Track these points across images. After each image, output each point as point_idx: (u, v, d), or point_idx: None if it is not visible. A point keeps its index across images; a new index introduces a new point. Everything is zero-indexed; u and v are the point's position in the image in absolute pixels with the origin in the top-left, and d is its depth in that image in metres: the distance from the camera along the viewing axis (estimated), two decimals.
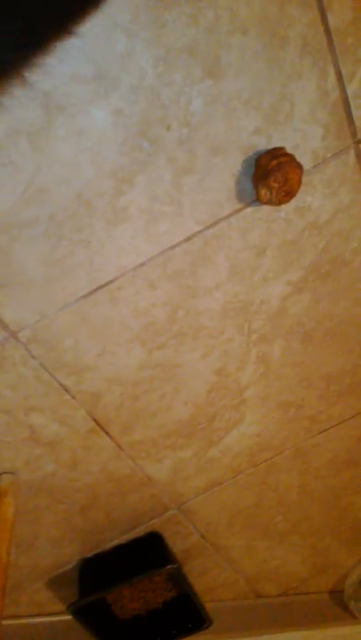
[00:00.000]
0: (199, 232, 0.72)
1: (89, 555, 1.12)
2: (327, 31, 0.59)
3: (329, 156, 0.68)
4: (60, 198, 0.64)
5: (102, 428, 0.90)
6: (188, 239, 0.72)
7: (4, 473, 0.89)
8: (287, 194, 0.63)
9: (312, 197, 0.71)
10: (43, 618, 1.19)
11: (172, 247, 0.73)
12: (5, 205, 0.62)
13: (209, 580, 1.32)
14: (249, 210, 0.71)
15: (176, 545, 1.18)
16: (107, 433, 0.91)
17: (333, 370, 0.96)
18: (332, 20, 0.58)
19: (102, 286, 0.74)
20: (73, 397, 0.84)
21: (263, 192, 0.63)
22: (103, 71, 0.56)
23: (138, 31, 0.55)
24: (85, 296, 0.74)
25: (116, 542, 1.13)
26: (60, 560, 1.11)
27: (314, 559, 1.39)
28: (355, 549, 1.40)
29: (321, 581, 1.47)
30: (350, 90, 0.64)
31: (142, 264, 0.73)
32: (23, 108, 0.57)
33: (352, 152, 0.69)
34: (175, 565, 1.03)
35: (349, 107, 0.65)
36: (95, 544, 1.11)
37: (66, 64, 0.55)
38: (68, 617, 1.18)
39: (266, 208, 0.71)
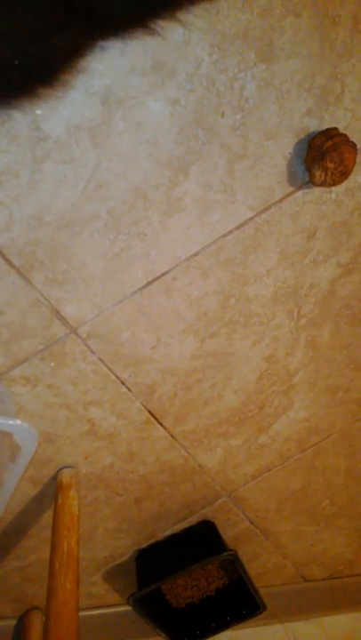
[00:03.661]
0: (251, 218, 0.71)
1: (144, 545, 1.11)
2: None
3: None
4: (118, 192, 0.63)
5: (157, 419, 0.89)
6: (240, 226, 0.71)
7: (65, 467, 0.89)
8: (342, 174, 0.62)
9: None
10: (100, 610, 1.19)
11: (225, 235, 0.72)
12: (67, 202, 0.62)
13: (258, 566, 1.31)
14: (300, 193, 0.70)
15: (227, 532, 1.17)
16: (161, 424, 0.90)
17: None
18: None
19: (157, 278, 0.73)
20: (129, 390, 0.84)
21: (318, 174, 0.62)
22: (160, 62, 0.56)
23: (193, 20, 0.54)
24: (141, 288, 0.73)
25: (169, 532, 1.12)
26: (116, 552, 1.10)
27: (360, 541, 1.37)
28: None
29: None
30: None
31: (195, 254, 0.73)
32: (83, 103, 0.56)
33: None
34: (232, 552, 1.02)
35: None
36: (150, 534, 1.10)
37: (125, 57, 0.54)
38: (125, 608, 1.18)
39: (317, 190, 0.70)
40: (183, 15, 0.52)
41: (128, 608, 1.18)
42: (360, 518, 1.29)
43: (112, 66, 0.55)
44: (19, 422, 0.64)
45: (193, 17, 0.53)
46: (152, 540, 1.12)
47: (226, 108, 0.60)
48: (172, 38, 0.55)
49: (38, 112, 0.56)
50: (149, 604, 1.06)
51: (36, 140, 0.57)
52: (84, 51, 0.51)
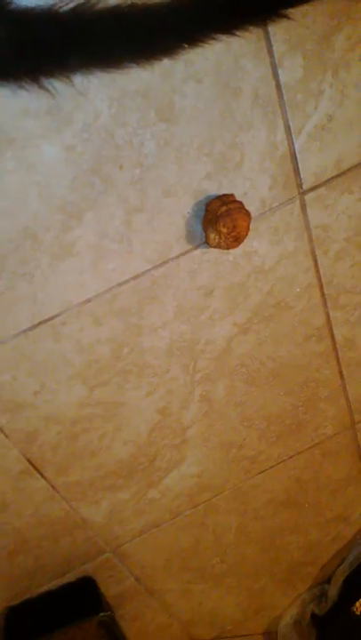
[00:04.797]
0: (148, 271, 0.72)
1: (15, 603, 1.05)
2: (278, 86, 0.61)
3: (276, 204, 0.70)
4: (4, 230, 0.62)
5: (36, 468, 0.86)
6: (136, 277, 0.72)
7: None
8: (235, 239, 0.64)
9: (259, 243, 0.73)
10: None
11: (120, 284, 0.72)
12: None
13: (143, 625, 1.28)
14: (198, 251, 0.72)
15: (109, 589, 1.13)
16: (41, 474, 0.87)
17: (274, 410, 0.97)
18: (283, 77, 0.61)
19: (45, 321, 0.72)
20: (6, 436, 0.80)
21: (212, 236, 0.64)
22: (56, 107, 0.56)
23: (92, 72, 0.55)
24: (26, 331, 0.71)
25: (45, 588, 1.07)
26: None
27: (249, 601, 1.38)
28: (289, 590, 1.40)
29: (256, 623, 1.46)
30: (298, 143, 0.66)
31: (88, 300, 0.72)
32: None
33: (297, 202, 0.72)
34: (107, 613, 0.99)
35: (296, 159, 0.67)
36: (23, 590, 1.05)
37: (18, 98, 0.54)
38: None
39: (214, 251, 0.72)
40: (77, 78, 0.53)
41: None
42: (250, 577, 1.30)
43: (3, 104, 0.54)
44: None
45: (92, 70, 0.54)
46: (25, 597, 1.06)
47: (124, 162, 0.61)
48: (70, 85, 0.55)
49: None
50: None
51: None
52: None
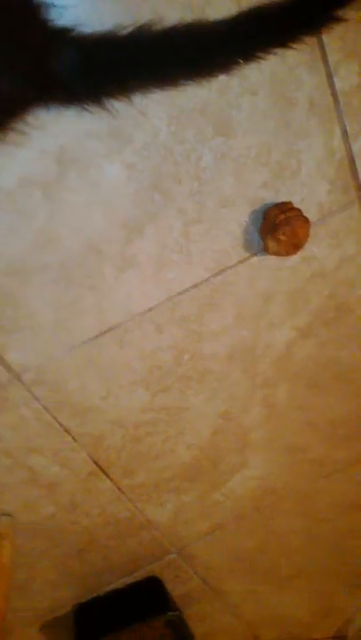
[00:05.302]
0: (207, 279, 0.74)
1: (85, 599, 1.11)
2: (334, 94, 0.62)
3: (335, 209, 0.71)
4: (70, 245, 0.66)
5: (103, 470, 0.91)
6: (195, 285, 0.75)
7: (2, 515, 0.90)
8: (295, 246, 0.65)
9: (318, 248, 0.74)
10: None
11: (180, 293, 0.75)
12: (16, 251, 0.65)
13: (209, 626, 1.30)
14: (256, 259, 0.73)
15: (176, 589, 1.17)
16: (107, 476, 0.92)
17: (339, 414, 0.97)
18: (338, 84, 0.61)
19: (110, 329, 0.76)
20: (74, 439, 0.85)
21: (271, 244, 0.66)
22: (117, 128, 0.59)
23: (151, 93, 0.58)
24: (93, 339, 0.76)
25: (113, 586, 1.12)
26: (55, 604, 1.10)
27: (317, 604, 1.37)
28: (359, 593, 1.38)
29: (324, 627, 1.45)
30: (356, 147, 0.67)
31: (150, 309, 0.75)
32: (37, 160, 0.59)
33: (357, 205, 0.72)
34: (176, 613, 1.02)
35: (355, 163, 0.67)
36: (92, 588, 1.10)
37: (82, 121, 0.58)
38: None
39: (272, 257, 0.73)
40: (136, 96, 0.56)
41: None
42: (318, 580, 1.30)
43: (68, 128, 0.58)
44: None
45: (151, 90, 0.57)
46: (94, 594, 1.12)
47: (183, 176, 0.64)
48: (130, 109, 0.58)
49: None
50: None
51: None
52: (34, 105, 0.54)
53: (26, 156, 0.58)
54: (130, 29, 0.53)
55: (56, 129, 0.57)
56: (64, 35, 0.50)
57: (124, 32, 0.53)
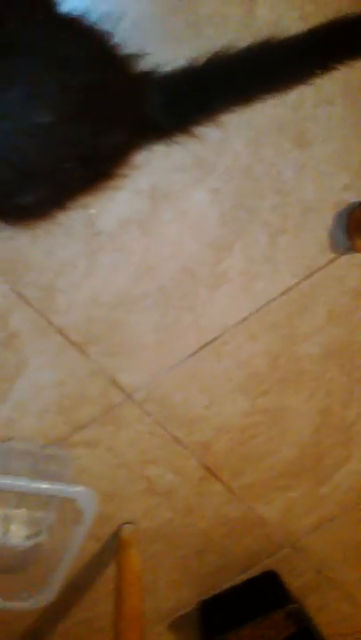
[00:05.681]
0: (295, 284, 0.77)
1: (207, 597, 1.16)
2: None
3: None
4: (166, 272, 0.71)
5: (213, 474, 0.95)
6: (284, 292, 0.77)
7: (126, 523, 0.96)
8: None
9: None
10: None
11: (270, 301, 0.78)
12: (120, 284, 0.70)
13: (327, 616, 1.32)
14: (343, 258, 0.75)
15: (293, 582, 1.19)
16: (218, 479, 0.96)
17: None
18: None
19: (208, 344, 0.80)
20: (185, 448, 0.90)
21: (360, 243, 0.67)
22: (201, 159, 0.63)
23: (230, 120, 0.61)
24: (192, 354, 0.80)
25: (232, 583, 1.16)
26: (179, 603, 1.16)
27: None
28: None
29: None
30: None
31: (243, 320, 0.79)
32: (132, 200, 0.64)
33: None
34: (295, 605, 1.05)
35: None
36: (212, 586, 1.15)
37: (169, 157, 0.62)
38: None
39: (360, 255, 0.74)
40: (221, 118, 0.59)
41: None
42: None
43: (158, 165, 0.63)
44: (81, 488, 0.72)
45: (229, 117, 0.60)
46: (215, 592, 1.17)
47: (265, 192, 0.67)
48: (211, 137, 0.62)
49: (92, 211, 0.64)
50: None
51: (91, 235, 0.66)
52: (134, 150, 0.59)
53: (123, 197, 0.63)
54: (206, 58, 0.56)
55: (147, 168, 0.62)
56: (149, 79, 0.54)
57: (202, 61, 0.55)
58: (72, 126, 0.43)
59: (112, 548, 0.98)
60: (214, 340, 0.80)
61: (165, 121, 0.56)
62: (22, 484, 0.66)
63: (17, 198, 0.46)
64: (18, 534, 0.85)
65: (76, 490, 0.69)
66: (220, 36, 0.54)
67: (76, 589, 1.02)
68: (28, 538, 0.86)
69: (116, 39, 0.50)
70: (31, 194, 0.46)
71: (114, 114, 0.47)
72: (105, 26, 0.50)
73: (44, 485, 0.68)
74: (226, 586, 1.16)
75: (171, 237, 0.68)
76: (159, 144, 0.59)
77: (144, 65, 0.55)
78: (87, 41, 0.46)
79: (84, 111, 0.44)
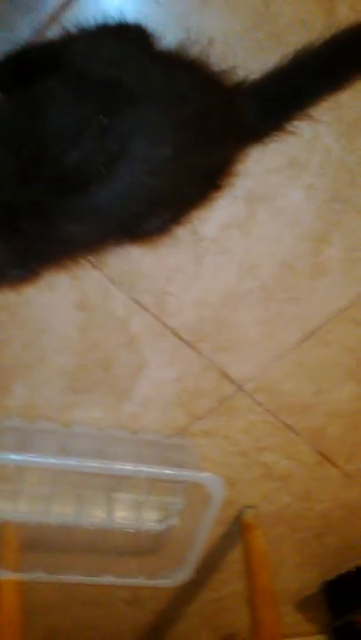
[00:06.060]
0: None
1: (331, 577, 1.18)
2: None
3: None
4: (268, 268, 0.75)
5: (328, 459, 0.97)
6: None
7: (247, 507, 1.01)
8: None
9: None
10: (297, 639, 1.28)
11: None
12: (225, 284, 0.75)
13: None
14: None
15: None
16: (333, 464, 0.98)
17: None
18: None
19: (313, 333, 0.82)
20: (297, 435, 0.93)
21: None
22: (294, 158, 0.66)
23: (320, 117, 0.63)
24: (299, 344, 0.83)
25: (353, 564, 1.17)
26: (304, 584, 1.19)
27: None
28: None
29: None
30: None
31: (346, 307, 0.80)
32: (230, 206, 0.69)
33: None
34: None
35: None
36: (335, 567, 1.17)
37: (262, 162, 0.66)
38: (320, 637, 1.26)
39: None
40: (312, 113, 0.61)
41: (323, 637, 1.25)
42: None
43: (252, 170, 0.66)
44: (209, 474, 0.77)
45: (319, 115, 0.63)
46: (338, 572, 1.19)
47: (358, 182, 0.68)
48: (303, 136, 0.65)
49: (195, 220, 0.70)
50: (344, 634, 1.12)
51: (195, 241, 0.71)
52: (238, 159, 0.62)
53: (222, 204, 0.67)
54: (292, 56, 0.58)
55: (242, 174, 0.66)
56: (241, 89, 0.57)
57: (287, 60, 0.57)
58: (189, 154, 0.48)
59: (235, 532, 1.03)
60: (319, 328, 0.82)
61: (262, 125, 0.58)
62: (158, 471, 0.73)
63: (145, 225, 0.53)
64: (150, 518, 0.94)
65: (205, 476, 0.75)
66: (303, 41, 0.57)
67: (204, 571, 1.09)
68: (160, 521, 0.95)
69: (210, 61, 0.55)
70: (157, 219, 0.53)
71: (221, 132, 0.52)
72: (198, 50, 0.55)
73: (180, 472, 0.75)
74: (348, 567, 1.17)
75: (269, 236, 0.72)
76: (257, 147, 0.62)
77: (235, 77, 0.58)
78: (190, 71, 0.51)
79: (197, 137, 0.49)
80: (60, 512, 0.88)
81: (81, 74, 0.44)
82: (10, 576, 0.78)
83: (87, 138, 0.42)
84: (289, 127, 0.60)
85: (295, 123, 0.60)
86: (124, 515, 0.92)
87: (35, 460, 0.68)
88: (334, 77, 0.58)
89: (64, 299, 0.72)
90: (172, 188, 0.49)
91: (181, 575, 0.84)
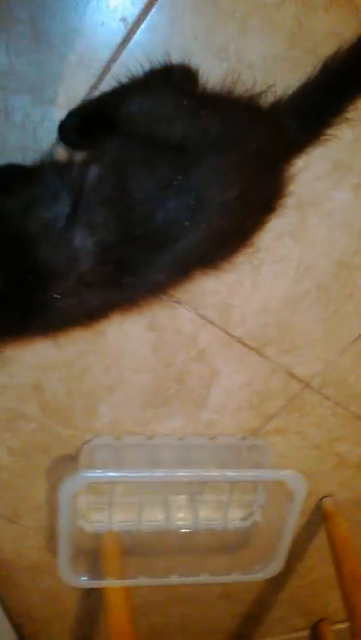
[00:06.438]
0: None
1: None
2: None
3: None
4: (323, 268, 0.76)
5: None
6: None
7: (325, 497, 1.02)
8: None
9: None
10: None
11: None
12: (284, 289, 0.76)
13: None
14: None
15: None
16: None
17: None
18: None
19: None
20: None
21: None
22: (338, 161, 0.67)
23: (358, 118, 0.64)
24: (359, 337, 0.83)
25: None
26: None
27: None
28: None
29: None
30: None
31: None
32: (282, 215, 0.70)
33: None
34: None
35: None
36: None
37: (309, 170, 0.67)
38: None
39: None
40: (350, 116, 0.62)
41: None
42: None
43: (299, 179, 0.67)
44: (289, 472, 0.79)
45: (358, 115, 0.63)
46: None
47: None
48: (345, 139, 0.65)
49: None
50: None
51: (251, 253, 0.73)
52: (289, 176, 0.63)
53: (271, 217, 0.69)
54: (319, 68, 0.58)
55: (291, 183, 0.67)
56: (279, 108, 0.59)
57: (316, 72, 0.58)
58: (251, 189, 0.50)
59: (316, 520, 1.04)
60: None
61: (304, 137, 0.60)
62: (241, 474, 0.75)
63: (213, 258, 0.55)
64: (235, 516, 0.96)
65: (286, 474, 0.76)
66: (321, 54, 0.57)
67: (290, 560, 1.10)
68: (244, 519, 0.97)
69: (252, 88, 0.56)
70: (224, 252, 0.55)
71: (272, 158, 0.53)
72: (240, 81, 0.56)
73: (263, 473, 0.77)
74: None
75: (322, 238, 0.73)
76: (302, 156, 0.63)
77: (273, 97, 0.60)
78: (238, 110, 0.52)
79: (257, 169, 0.50)
80: (151, 518, 0.91)
81: (145, 136, 0.46)
82: (116, 584, 0.82)
83: (169, 199, 0.45)
84: (330, 133, 0.61)
85: (335, 127, 0.61)
86: (210, 515, 0.94)
87: (130, 475, 0.71)
88: None
89: (136, 323, 0.74)
90: (238, 223, 0.51)
91: (273, 567, 0.85)
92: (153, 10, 0.56)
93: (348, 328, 0.83)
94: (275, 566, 0.85)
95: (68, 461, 0.86)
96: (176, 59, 0.57)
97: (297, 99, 0.59)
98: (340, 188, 0.69)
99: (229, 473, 0.74)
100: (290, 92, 0.60)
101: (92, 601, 1.07)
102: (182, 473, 0.73)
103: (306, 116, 0.59)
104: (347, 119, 0.61)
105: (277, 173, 0.56)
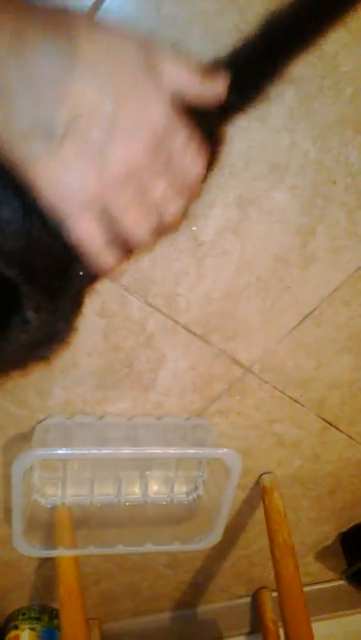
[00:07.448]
0: None
1: (345, 529, 1.20)
2: None
3: None
4: (262, 263, 0.76)
5: (332, 424, 0.99)
6: None
7: (265, 473, 1.03)
8: None
9: None
10: (318, 585, 1.30)
11: (358, 269, 0.79)
12: (226, 281, 0.76)
13: None
14: None
15: None
16: (336, 428, 0.99)
17: None
18: None
19: (307, 316, 0.83)
20: (303, 405, 0.95)
21: None
22: (275, 164, 0.67)
23: (295, 125, 0.64)
24: (296, 327, 0.84)
25: None
26: (321, 536, 1.21)
27: None
28: None
29: None
30: None
31: (336, 289, 0.81)
32: (224, 213, 0.70)
33: None
34: None
35: None
36: (349, 519, 1.19)
37: (248, 170, 0.67)
38: (339, 583, 1.28)
39: None
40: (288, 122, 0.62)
41: (342, 582, 1.28)
42: None
43: (240, 179, 0.67)
44: (226, 450, 0.79)
45: (294, 123, 0.64)
46: (352, 524, 1.20)
47: (337, 177, 0.69)
48: (281, 144, 0.66)
49: (194, 228, 0.71)
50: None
51: (196, 247, 0.73)
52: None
53: (216, 212, 0.69)
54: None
55: (232, 182, 0.67)
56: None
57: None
58: None
59: (256, 495, 1.05)
60: (313, 311, 0.83)
61: (239, 97, 0.52)
62: (182, 451, 0.75)
63: None
64: (180, 491, 0.96)
65: (223, 451, 0.77)
66: None
67: (232, 532, 1.12)
68: (188, 493, 0.97)
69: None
70: None
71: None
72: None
73: (202, 450, 0.77)
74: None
75: (261, 234, 0.73)
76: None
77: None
78: None
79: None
80: (102, 493, 0.90)
81: None
82: (67, 553, 0.81)
83: None
84: (267, 96, 0.55)
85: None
86: (158, 489, 0.94)
87: (79, 452, 0.70)
88: (303, 33, 0.52)
89: (87, 310, 0.73)
90: None
91: (212, 538, 0.86)
92: None
93: (287, 318, 0.84)
94: (214, 537, 0.86)
95: (23, 440, 0.84)
96: None
97: (230, 59, 0.51)
98: (279, 189, 0.70)
99: (171, 450, 0.74)
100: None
101: (48, 569, 1.06)
102: (128, 450, 0.72)
103: (240, 76, 0.48)
104: (286, 127, 0.61)
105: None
